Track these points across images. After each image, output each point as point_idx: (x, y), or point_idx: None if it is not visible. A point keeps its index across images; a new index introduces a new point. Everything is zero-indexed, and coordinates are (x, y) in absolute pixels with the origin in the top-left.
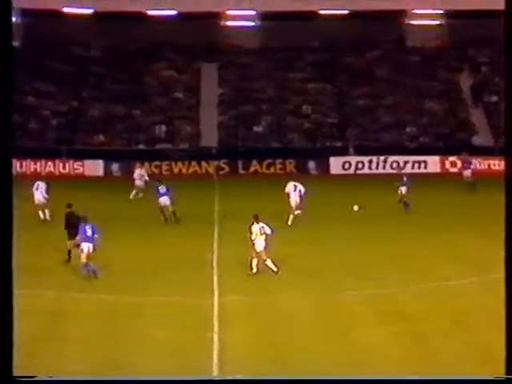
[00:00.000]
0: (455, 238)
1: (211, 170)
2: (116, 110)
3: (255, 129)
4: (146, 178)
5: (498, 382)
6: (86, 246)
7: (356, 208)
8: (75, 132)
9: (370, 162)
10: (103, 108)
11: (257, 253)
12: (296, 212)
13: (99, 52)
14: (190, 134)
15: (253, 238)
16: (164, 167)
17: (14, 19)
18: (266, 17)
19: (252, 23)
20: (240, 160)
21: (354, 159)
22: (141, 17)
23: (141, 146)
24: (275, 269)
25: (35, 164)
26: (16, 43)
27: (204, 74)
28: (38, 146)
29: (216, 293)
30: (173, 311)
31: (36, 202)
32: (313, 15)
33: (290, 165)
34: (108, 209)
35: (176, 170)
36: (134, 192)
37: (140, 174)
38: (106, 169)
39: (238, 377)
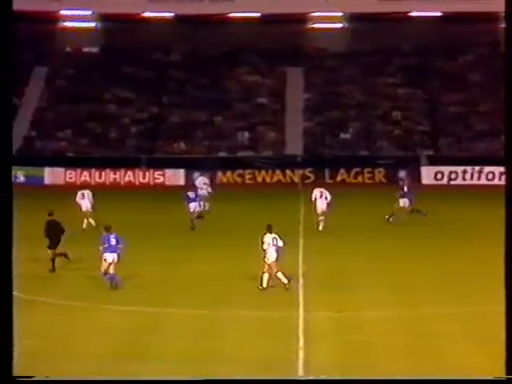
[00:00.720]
0: None
1: (296, 179)
2: (197, 117)
3: (342, 136)
4: (210, 188)
5: (497, 382)
6: (111, 256)
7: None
8: (155, 140)
9: (464, 172)
10: (184, 114)
11: (268, 264)
12: (320, 218)
13: (180, 56)
14: (274, 140)
15: (265, 247)
16: (247, 176)
17: (93, 25)
18: (353, 19)
19: (339, 25)
20: (326, 168)
21: (446, 169)
22: (223, 20)
23: (222, 154)
24: (285, 281)
25: (114, 174)
26: (95, 49)
27: (289, 79)
28: (118, 156)
29: (301, 307)
30: (257, 326)
31: (84, 209)
32: (403, 17)
33: (379, 174)
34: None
35: (259, 179)
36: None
37: (203, 182)
38: (188, 178)
39: (241, 377)
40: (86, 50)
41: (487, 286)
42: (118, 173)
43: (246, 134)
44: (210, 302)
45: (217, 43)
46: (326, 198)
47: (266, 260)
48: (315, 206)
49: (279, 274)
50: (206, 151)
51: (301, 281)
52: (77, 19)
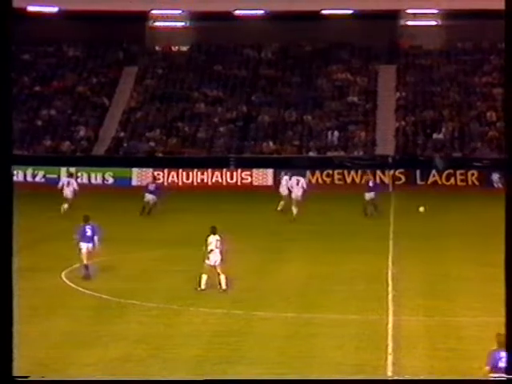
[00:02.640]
0: None
1: (387, 180)
2: (287, 116)
3: (435, 136)
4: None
5: (497, 382)
6: (85, 246)
7: (422, 209)
8: (244, 140)
9: None
10: (274, 113)
11: (209, 266)
12: (293, 207)
13: (271, 54)
14: (364, 140)
15: (208, 249)
16: (336, 176)
17: (182, 24)
18: (449, 15)
19: (434, 22)
20: (418, 170)
21: None
22: (314, 16)
23: (312, 154)
24: (224, 287)
25: (202, 174)
26: (184, 48)
27: (381, 77)
28: (206, 156)
29: (390, 311)
30: (348, 330)
31: (66, 195)
32: (500, 14)
33: (473, 176)
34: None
35: (349, 180)
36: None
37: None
38: (276, 178)
39: (240, 377)
40: (175, 48)
41: None
42: (205, 173)
43: (336, 134)
44: (301, 305)
45: (308, 40)
46: (303, 186)
47: (207, 262)
48: (290, 193)
49: (221, 278)
50: (295, 151)
51: (390, 284)
52: (167, 19)
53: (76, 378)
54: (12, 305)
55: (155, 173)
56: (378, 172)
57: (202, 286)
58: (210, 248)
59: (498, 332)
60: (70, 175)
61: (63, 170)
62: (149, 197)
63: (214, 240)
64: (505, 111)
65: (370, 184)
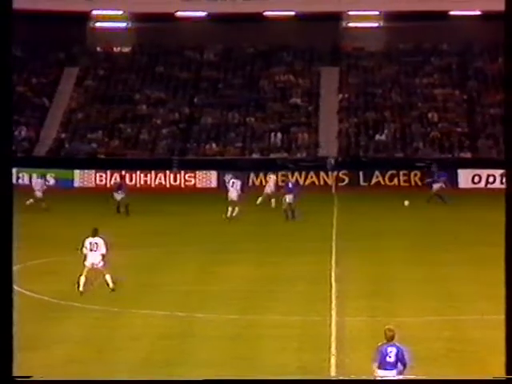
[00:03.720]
0: None
1: (330, 182)
2: (230, 117)
3: (378, 137)
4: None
5: (497, 382)
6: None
7: (407, 203)
8: (187, 141)
9: (503, 176)
10: (216, 115)
11: (89, 267)
12: (229, 207)
13: (213, 56)
14: (307, 142)
15: (84, 252)
16: (280, 177)
17: (124, 24)
18: (391, 17)
19: (376, 24)
20: (361, 171)
21: (484, 172)
22: (257, 18)
23: (255, 155)
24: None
25: (145, 176)
26: (126, 49)
27: (324, 79)
28: (149, 158)
29: (334, 312)
30: (290, 331)
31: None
32: (442, 15)
33: (415, 177)
34: (223, 221)
35: (292, 181)
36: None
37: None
38: (220, 180)
39: (239, 377)
40: (117, 49)
41: None
42: (148, 175)
43: (279, 136)
44: (244, 307)
45: (250, 42)
46: (237, 188)
47: (86, 263)
48: (227, 194)
49: (107, 277)
50: (239, 153)
51: (334, 285)
52: (108, 19)
53: (76, 378)
54: (12, 305)
55: (97, 174)
56: (322, 173)
57: (81, 288)
58: (87, 250)
59: (387, 326)
60: None
61: None
62: (118, 196)
63: (92, 241)
64: (505, 111)
65: (290, 185)
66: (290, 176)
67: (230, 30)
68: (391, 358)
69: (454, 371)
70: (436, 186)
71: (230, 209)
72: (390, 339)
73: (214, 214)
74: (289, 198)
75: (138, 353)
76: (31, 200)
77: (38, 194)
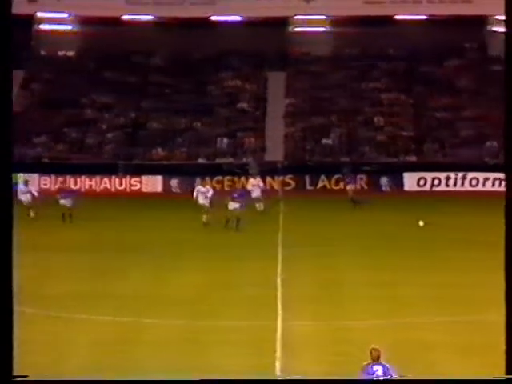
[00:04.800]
0: None
1: (276, 186)
2: (176, 122)
3: (324, 141)
4: (210, 194)
5: (498, 382)
6: None
7: (421, 224)
8: (133, 146)
9: (448, 178)
10: (163, 120)
11: None
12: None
13: (160, 61)
14: (254, 147)
15: None
16: (226, 182)
17: (69, 27)
18: (338, 22)
19: (322, 29)
20: (307, 175)
21: (429, 175)
22: (205, 23)
23: (201, 160)
24: None
25: (90, 181)
26: (72, 53)
27: (271, 83)
28: (94, 162)
29: (280, 317)
30: (236, 336)
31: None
32: (388, 20)
33: (361, 180)
34: (169, 227)
35: (239, 186)
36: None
37: (201, 190)
38: (165, 185)
39: (241, 377)
40: (62, 53)
41: (479, 295)
42: (93, 180)
43: (226, 140)
44: (192, 312)
45: (198, 47)
46: (208, 195)
47: None
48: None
49: None
50: (185, 158)
51: (280, 290)
52: (53, 22)
53: (76, 378)
54: (12, 306)
55: (41, 178)
56: (268, 178)
57: None
58: None
59: (372, 346)
60: None
61: None
62: (64, 202)
63: None
64: (505, 112)
65: (235, 195)
66: (238, 181)
67: (178, 34)
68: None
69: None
70: (350, 188)
71: (204, 216)
72: (375, 359)
73: (160, 219)
74: (233, 206)
75: (82, 359)
76: None
77: None
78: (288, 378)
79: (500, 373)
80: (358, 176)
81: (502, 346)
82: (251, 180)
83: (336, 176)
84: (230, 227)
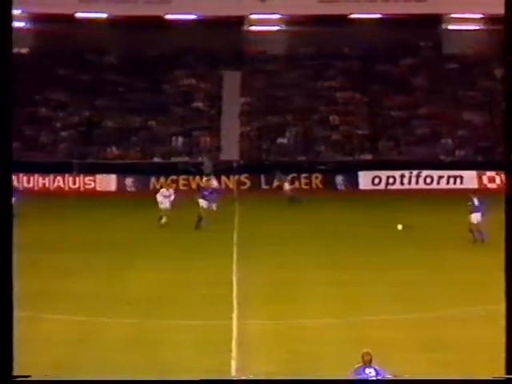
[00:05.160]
0: (497, 262)
1: (232, 185)
2: (131, 121)
3: (280, 141)
4: (173, 198)
5: (498, 382)
6: None
7: (400, 227)
8: (87, 145)
9: (402, 176)
10: (118, 119)
11: None
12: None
13: (115, 59)
14: (209, 146)
15: None
16: (181, 181)
17: (22, 24)
18: (293, 21)
19: (278, 28)
20: (263, 174)
21: (384, 174)
22: (159, 22)
23: (156, 159)
24: None
25: (44, 179)
26: (25, 50)
27: (226, 82)
28: (48, 161)
29: (235, 316)
30: (191, 335)
31: None
32: (343, 19)
33: (317, 179)
34: (123, 226)
35: (194, 185)
36: (164, 218)
37: (164, 194)
38: (119, 183)
39: (240, 377)
40: (15, 51)
41: (431, 292)
42: (47, 178)
43: (181, 139)
44: (146, 311)
45: (152, 45)
46: (171, 199)
47: None
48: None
49: None
50: (140, 156)
51: (235, 289)
52: None
53: (77, 379)
54: (12, 305)
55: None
56: (223, 177)
57: None
58: None
59: (365, 350)
60: None
61: None
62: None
63: None
64: (505, 111)
65: (205, 192)
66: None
67: (132, 32)
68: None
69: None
70: (287, 189)
71: (164, 218)
72: (367, 363)
73: (115, 218)
74: (204, 203)
75: (36, 358)
76: None
77: None
78: (244, 377)
79: (458, 368)
80: (314, 175)
81: (462, 342)
82: (205, 180)
83: (292, 175)
84: (202, 225)
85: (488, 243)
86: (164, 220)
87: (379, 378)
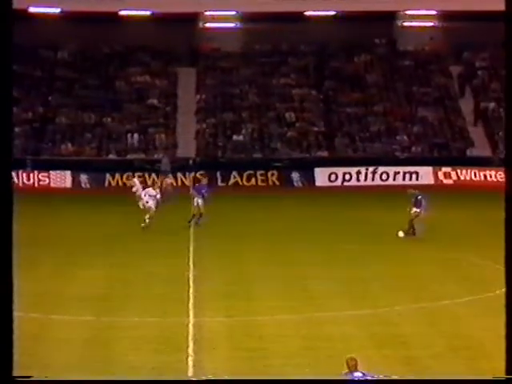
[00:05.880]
0: (452, 255)
1: (188, 182)
2: (86, 118)
3: (235, 138)
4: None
5: (497, 382)
6: None
7: (401, 234)
8: (41, 141)
9: (358, 173)
10: (72, 115)
11: None
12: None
13: (68, 55)
14: (165, 143)
15: None
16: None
17: None
18: (248, 18)
19: (233, 25)
20: (219, 171)
21: (340, 170)
22: (113, 17)
23: (112, 156)
24: None
25: None
26: None
27: (181, 80)
28: None
29: (191, 313)
30: (147, 332)
31: None
32: (299, 17)
33: (273, 176)
34: (78, 222)
35: (149, 182)
36: (146, 219)
37: (150, 193)
38: (74, 180)
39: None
40: None
41: (384, 288)
42: None
43: (136, 136)
44: (100, 308)
45: (107, 42)
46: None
47: None
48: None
49: None
50: (95, 153)
51: (191, 286)
52: None
53: (77, 379)
54: (12, 305)
55: None
56: (179, 174)
57: None
58: None
59: (349, 356)
60: None
61: None
62: None
63: None
64: (506, 109)
65: (203, 191)
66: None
67: (86, 28)
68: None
69: (311, 369)
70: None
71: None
72: (353, 368)
73: (69, 215)
74: (198, 201)
75: None
76: None
77: None
78: (204, 378)
79: (414, 364)
80: (270, 172)
81: (410, 336)
82: (161, 178)
83: (248, 172)
84: (195, 222)
85: (440, 239)
86: (147, 221)
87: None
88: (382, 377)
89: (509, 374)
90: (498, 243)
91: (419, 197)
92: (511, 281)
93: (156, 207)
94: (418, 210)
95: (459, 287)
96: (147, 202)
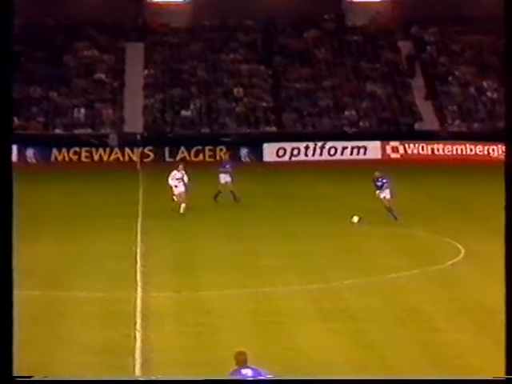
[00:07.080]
0: (400, 229)
1: (135, 158)
2: (31, 92)
3: (183, 113)
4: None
5: (497, 382)
6: None
7: (356, 219)
8: None
9: (307, 148)
10: (17, 89)
11: None
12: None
13: (14, 28)
14: (112, 118)
15: None
16: (83, 154)
17: None
18: None
19: (181, 0)
20: (167, 147)
21: (289, 145)
22: None
23: (58, 131)
24: None
25: None
26: None
27: (129, 55)
28: None
29: (139, 288)
30: (94, 308)
31: None
32: None
33: (221, 152)
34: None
35: (96, 158)
36: (182, 205)
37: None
38: (20, 154)
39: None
40: None
41: (332, 262)
42: None
43: (83, 111)
44: (48, 283)
45: (53, 16)
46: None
47: None
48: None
49: None
50: (41, 128)
51: (139, 262)
52: None
53: (77, 378)
54: (12, 305)
55: None
56: (127, 150)
57: None
58: None
59: (237, 350)
60: None
61: None
62: None
63: None
64: (506, 93)
65: (227, 166)
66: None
67: (32, 1)
68: (251, 378)
69: (259, 344)
70: None
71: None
72: (242, 363)
73: (16, 190)
74: (225, 179)
75: None
76: None
77: None
78: (202, 378)
79: (363, 338)
80: (218, 147)
81: (359, 310)
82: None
83: (196, 148)
84: (220, 200)
85: (388, 213)
86: (183, 206)
87: (260, 378)
88: (271, 376)
89: (509, 374)
90: (446, 216)
91: (384, 180)
92: (511, 281)
93: (186, 188)
94: (385, 194)
95: (407, 260)
96: (176, 187)
